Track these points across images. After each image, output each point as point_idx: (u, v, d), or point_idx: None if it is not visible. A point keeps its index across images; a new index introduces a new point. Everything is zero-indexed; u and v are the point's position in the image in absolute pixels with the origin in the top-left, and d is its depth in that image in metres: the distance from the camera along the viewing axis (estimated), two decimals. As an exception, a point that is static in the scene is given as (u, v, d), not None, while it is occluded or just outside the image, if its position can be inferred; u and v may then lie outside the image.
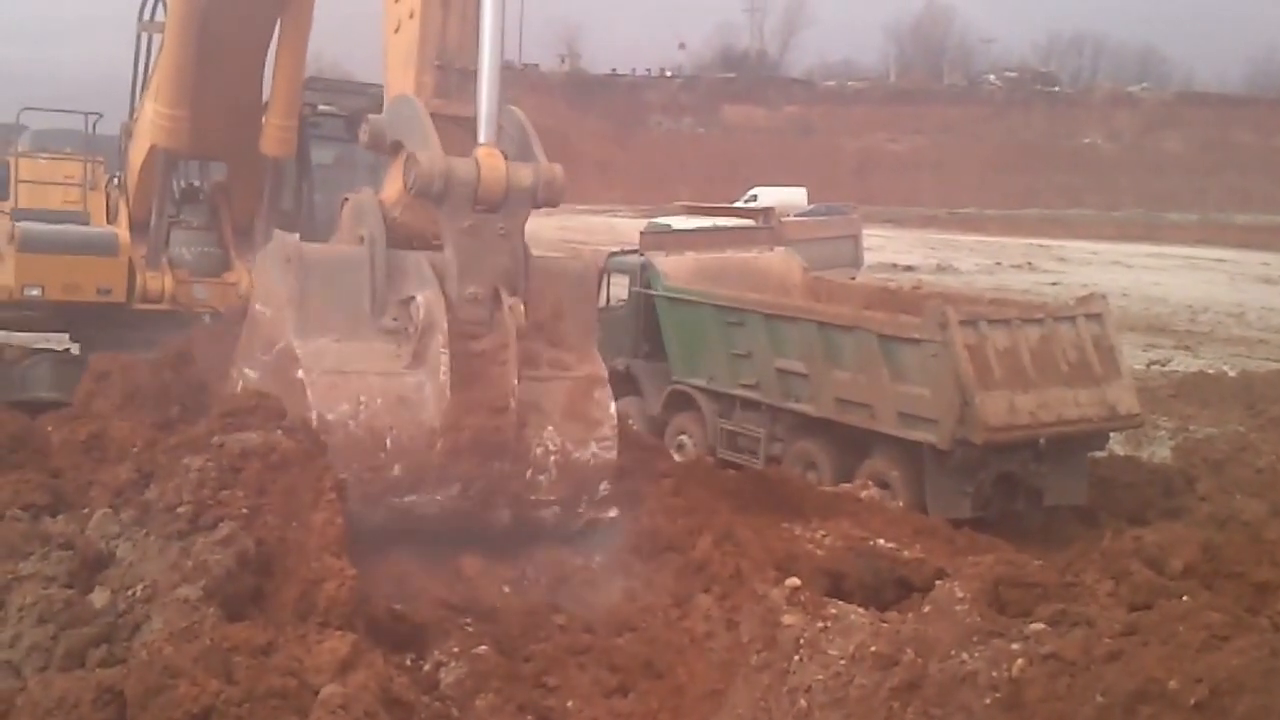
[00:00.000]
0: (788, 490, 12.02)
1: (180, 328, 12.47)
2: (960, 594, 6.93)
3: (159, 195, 13.69)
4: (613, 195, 79.63)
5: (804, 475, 13.49)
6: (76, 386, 11.31)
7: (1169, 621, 6.01)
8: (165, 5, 13.36)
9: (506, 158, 8.84)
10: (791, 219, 32.50)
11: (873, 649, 6.53)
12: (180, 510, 7.36)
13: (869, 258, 36.69)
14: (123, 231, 13.93)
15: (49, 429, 10.45)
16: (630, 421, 14.59)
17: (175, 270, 13.90)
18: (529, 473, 9.02)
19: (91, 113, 14.48)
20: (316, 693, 6.05)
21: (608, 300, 16.30)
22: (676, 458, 13.51)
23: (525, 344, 8.92)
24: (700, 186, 73.40)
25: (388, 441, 8.62)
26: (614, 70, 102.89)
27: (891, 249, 48.91)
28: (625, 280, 16.35)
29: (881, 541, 10.12)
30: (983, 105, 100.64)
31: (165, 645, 6.06)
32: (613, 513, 9.32)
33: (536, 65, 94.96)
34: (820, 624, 7.02)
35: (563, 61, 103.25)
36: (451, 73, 9.13)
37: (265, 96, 13.61)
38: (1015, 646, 6.17)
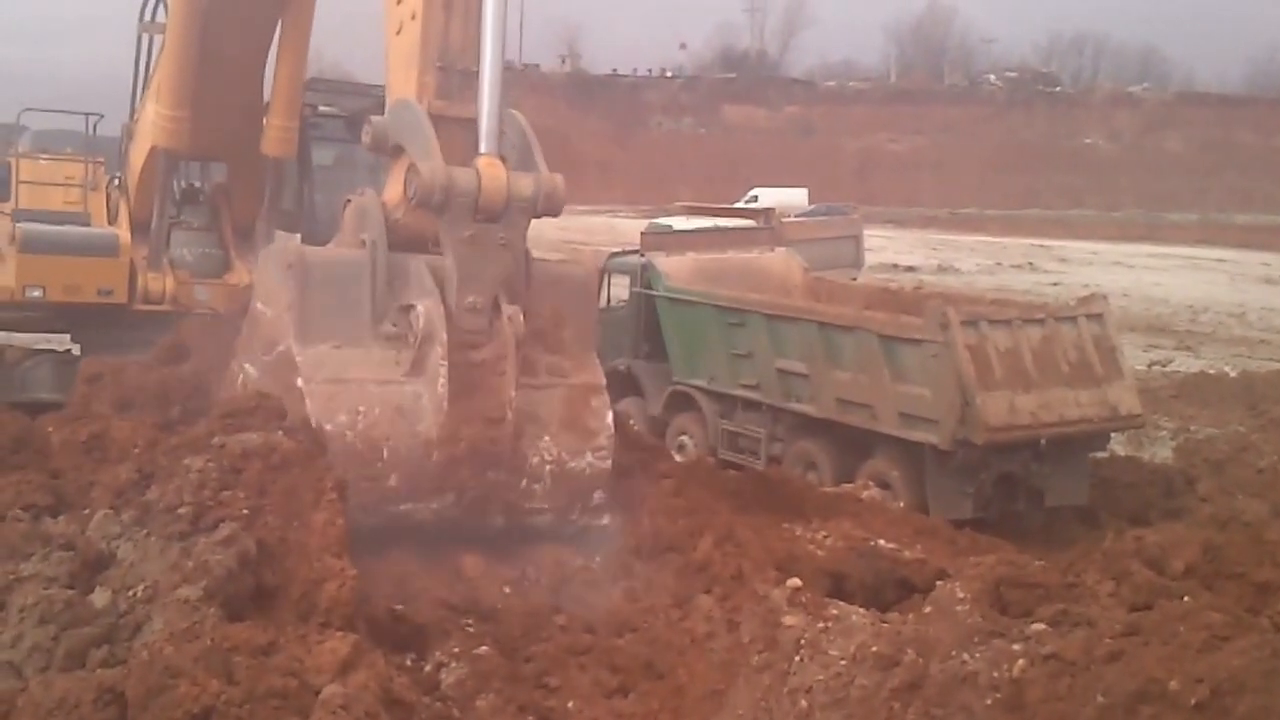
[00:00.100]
0: (789, 491, 12.01)
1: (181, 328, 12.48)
2: (961, 594, 6.93)
3: (160, 196, 13.70)
4: (613, 195, 79.63)
5: (805, 476, 13.48)
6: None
7: (1170, 622, 6.01)
8: (166, 6, 13.37)
9: (507, 164, 8.87)
10: (792, 219, 32.45)
11: (874, 649, 6.53)
12: (181, 511, 7.36)
13: (870, 258, 36.66)
14: (124, 232, 13.94)
15: (50, 430, 10.45)
16: (631, 422, 14.61)
17: (176, 271, 13.91)
18: (524, 482, 9.09)
19: (92, 113, 14.51)
20: (317, 693, 6.04)
21: (608, 301, 16.31)
22: (677, 458, 13.50)
23: (524, 351, 8.95)
24: (701, 187, 73.43)
25: (384, 452, 8.67)
26: (614, 70, 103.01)
27: (892, 249, 48.92)
28: (626, 281, 16.35)
29: (882, 542, 10.11)
30: (983, 105, 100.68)
31: (166, 646, 6.06)
32: (605, 519, 9.37)
33: (537, 65, 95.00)
34: (821, 624, 7.03)
35: (563, 62, 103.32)
36: (453, 74, 9.13)
37: (266, 97, 13.62)
38: (1016, 647, 6.18)
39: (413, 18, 9.13)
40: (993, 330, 12.56)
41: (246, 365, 9.66)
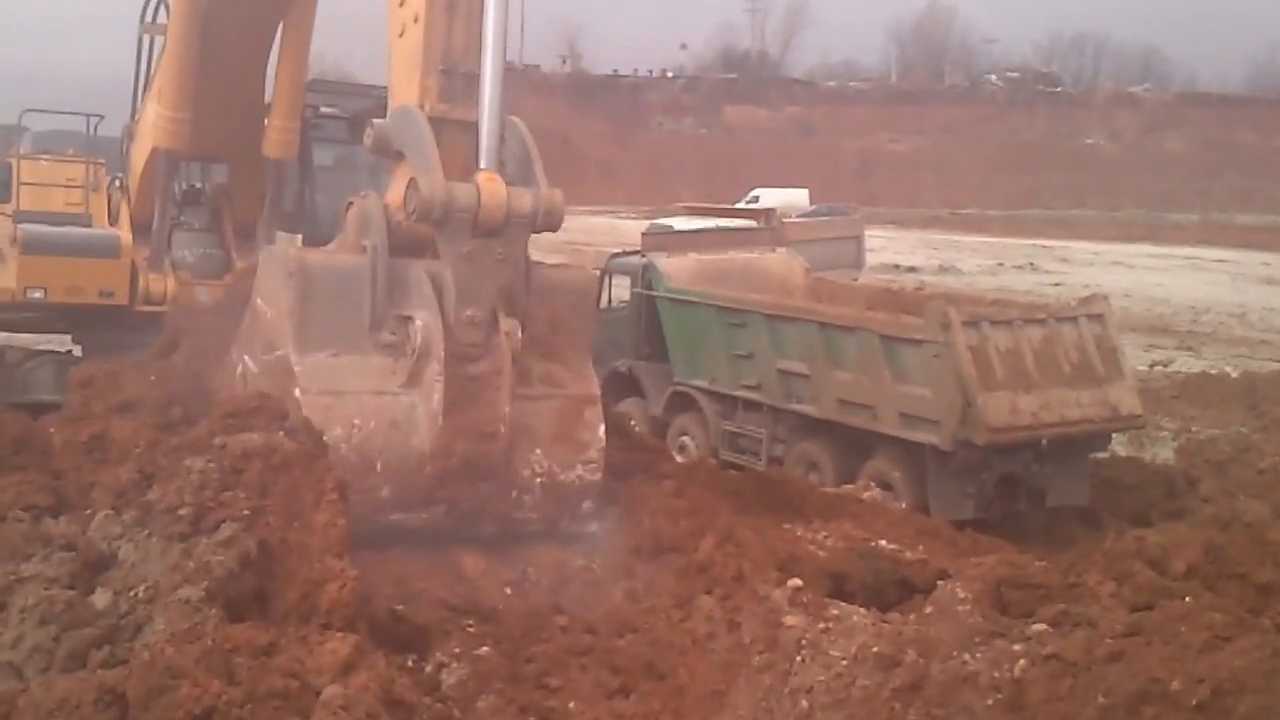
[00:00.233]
0: (790, 491, 12.02)
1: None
2: (962, 595, 6.94)
3: (161, 197, 13.71)
4: (614, 196, 79.64)
5: (806, 476, 13.47)
6: None
7: (1171, 622, 6.02)
8: (167, 7, 13.38)
9: (506, 173, 8.90)
10: (793, 220, 32.44)
11: (875, 650, 6.54)
12: (182, 511, 7.36)
13: (871, 259, 36.63)
14: (125, 233, 13.95)
15: (51, 430, 10.46)
16: (632, 423, 14.62)
17: (177, 272, 13.91)
18: (514, 493, 9.17)
19: (93, 114, 14.53)
20: (318, 694, 6.04)
21: (610, 301, 16.31)
22: (678, 459, 13.51)
23: (520, 359, 9.00)
24: (702, 187, 73.49)
25: (378, 465, 8.75)
26: (615, 71, 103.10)
27: (893, 250, 48.90)
28: (627, 281, 16.35)
29: (883, 542, 10.11)
30: (984, 106, 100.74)
31: (167, 646, 6.06)
32: (593, 527, 9.42)
33: (538, 66, 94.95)
34: (822, 625, 7.03)
35: (564, 62, 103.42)
36: (456, 77, 9.12)
37: (267, 98, 13.62)
38: (1017, 647, 6.18)
39: (415, 21, 9.13)
40: (994, 331, 12.55)
41: (246, 358, 9.70)
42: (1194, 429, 17.83)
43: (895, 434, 12.96)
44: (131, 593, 6.89)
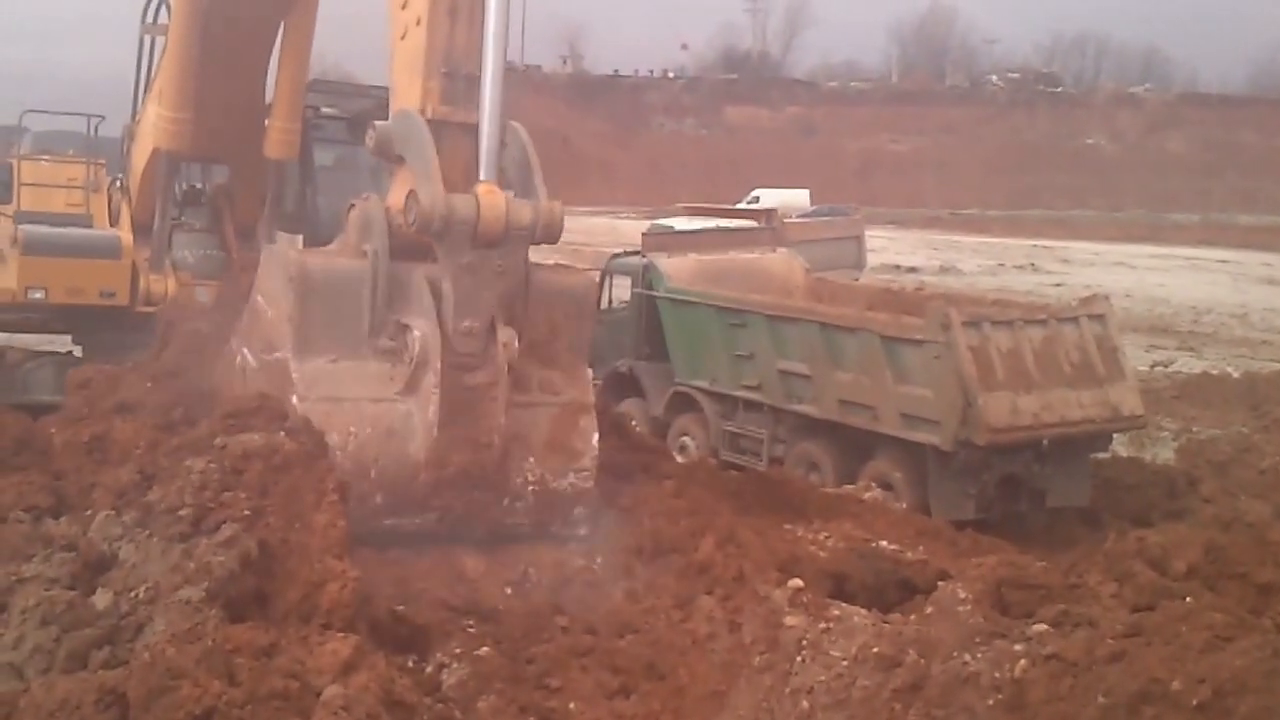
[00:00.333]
0: (790, 492, 12.01)
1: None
2: (963, 595, 6.94)
3: (162, 198, 13.72)
4: (615, 196, 79.64)
5: (806, 477, 13.47)
6: None
7: (1172, 622, 6.02)
8: (168, 8, 13.39)
9: (506, 180, 8.92)
10: (794, 220, 32.42)
11: (875, 650, 6.54)
12: (182, 512, 7.37)
13: (872, 259, 36.61)
14: (125, 234, 13.96)
15: (52, 431, 10.47)
16: (633, 423, 14.61)
17: (178, 273, 13.93)
18: (506, 501, 9.21)
19: (94, 115, 14.53)
20: (319, 694, 6.05)
21: (610, 302, 16.32)
22: (679, 459, 13.52)
23: (517, 366, 9.02)
24: (702, 188, 73.32)
25: (373, 473, 8.78)
26: (616, 71, 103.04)
27: (894, 250, 48.90)
28: (627, 282, 16.35)
29: (884, 543, 10.11)
30: (985, 106, 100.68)
31: (168, 647, 6.06)
32: (583, 531, 9.44)
33: (539, 66, 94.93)
34: (823, 625, 7.04)
35: (565, 62, 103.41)
36: (458, 79, 9.11)
37: (268, 99, 13.63)
38: (1018, 647, 6.18)
39: (418, 23, 9.11)
40: (995, 331, 12.55)
41: (245, 350, 9.72)
42: (1195, 429, 17.83)
43: (896, 434, 12.96)
44: (132, 593, 6.89)
